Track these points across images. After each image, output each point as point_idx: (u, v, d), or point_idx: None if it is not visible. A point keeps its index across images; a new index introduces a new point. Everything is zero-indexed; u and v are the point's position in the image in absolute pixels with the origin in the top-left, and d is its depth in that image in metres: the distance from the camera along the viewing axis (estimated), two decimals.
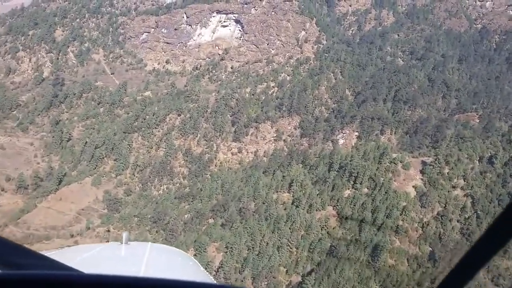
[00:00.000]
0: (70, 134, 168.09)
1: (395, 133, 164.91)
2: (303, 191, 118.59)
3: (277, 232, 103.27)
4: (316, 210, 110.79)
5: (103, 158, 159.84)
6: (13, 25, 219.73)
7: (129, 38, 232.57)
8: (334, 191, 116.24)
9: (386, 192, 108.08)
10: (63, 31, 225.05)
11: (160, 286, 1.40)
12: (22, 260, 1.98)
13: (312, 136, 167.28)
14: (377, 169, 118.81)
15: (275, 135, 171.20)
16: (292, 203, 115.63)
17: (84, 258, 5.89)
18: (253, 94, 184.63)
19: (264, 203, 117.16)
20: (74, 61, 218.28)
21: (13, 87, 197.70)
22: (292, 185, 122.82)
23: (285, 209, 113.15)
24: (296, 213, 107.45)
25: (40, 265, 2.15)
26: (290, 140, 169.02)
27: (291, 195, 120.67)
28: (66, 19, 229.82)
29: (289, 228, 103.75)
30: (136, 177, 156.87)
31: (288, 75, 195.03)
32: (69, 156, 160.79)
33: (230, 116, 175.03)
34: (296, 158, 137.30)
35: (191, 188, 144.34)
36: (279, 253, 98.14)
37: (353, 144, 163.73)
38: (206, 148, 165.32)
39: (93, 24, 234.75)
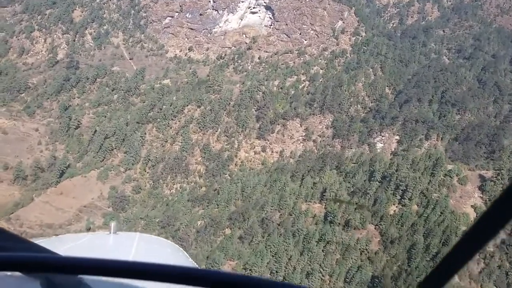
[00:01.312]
0: (78, 121, 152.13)
1: (441, 139, 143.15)
2: (338, 203, 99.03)
3: (307, 254, 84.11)
4: (355, 229, 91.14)
5: (112, 149, 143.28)
6: (30, 3, 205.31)
7: (151, 22, 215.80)
8: (377, 206, 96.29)
9: (441, 213, 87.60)
10: (82, 12, 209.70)
11: (136, 269, 1.41)
12: (3, 242, 1.98)
13: (346, 138, 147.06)
14: (429, 183, 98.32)
15: (304, 134, 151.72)
16: (325, 217, 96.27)
17: (71, 247, 5.72)
18: (281, 88, 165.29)
19: (291, 215, 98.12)
20: (91, 44, 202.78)
21: (25, 68, 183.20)
22: (324, 195, 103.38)
23: (316, 223, 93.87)
24: (331, 230, 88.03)
25: (23, 248, 2.15)
26: (321, 141, 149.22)
27: (323, 206, 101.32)
28: None
29: (322, 250, 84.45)
30: (147, 173, 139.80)
31: (321, 69, 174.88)
32: (75, 146, 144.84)
33: (255, 111, 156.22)
34: (329, 162, 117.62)
35: (207, 189, 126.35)
36: (308, 281, 78.94)
37: (393, 149, 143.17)
38: (226, 144, 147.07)
39: (114, 6, 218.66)
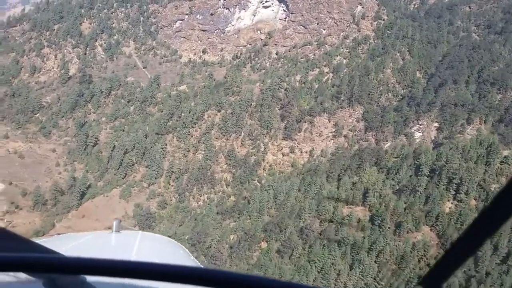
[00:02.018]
0: (96, 138, 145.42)
1: (485, 122, 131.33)
2: (384, 204, 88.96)
3: (358, 266, 74.35)
4: (408, 232, 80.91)
5: (133, 165, 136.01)
6: (38, 20, 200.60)
7: (161, 28, 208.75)
8: (429, 204, 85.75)
9: None
10: (90, 24, 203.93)
11: (140, 269, 1.41)
12: (5, 243, 1.99)
13: (380, 130, 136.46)
14: (485, 173, 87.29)
15: (333, 130, 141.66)
16: (371, 222, 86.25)
17: (74, 246, 5.68)
18: (304, 83, 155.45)
19: (332, 222, 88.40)
20: (102, 56, 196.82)
21: (38, 87, 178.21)
22: (367, 196, 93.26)
23: (362, 230, 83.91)
24: (381, 237, 78.01)
25: (25, 248, 2.15)
26: (353, 136, 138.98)
27: (368, 209, 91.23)
28: (93, 10, 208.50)
29: (375, 261, 74.57)
30: (172, 186, 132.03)
31: (344, 58, 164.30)
32: (94, 164, 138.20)
33: (279, 110, 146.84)
34: (367, 158, 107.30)
35: (237, 199, 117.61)
36: None
37: (433, 138, 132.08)
38: (251, 148, 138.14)
39: (122, 14, 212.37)
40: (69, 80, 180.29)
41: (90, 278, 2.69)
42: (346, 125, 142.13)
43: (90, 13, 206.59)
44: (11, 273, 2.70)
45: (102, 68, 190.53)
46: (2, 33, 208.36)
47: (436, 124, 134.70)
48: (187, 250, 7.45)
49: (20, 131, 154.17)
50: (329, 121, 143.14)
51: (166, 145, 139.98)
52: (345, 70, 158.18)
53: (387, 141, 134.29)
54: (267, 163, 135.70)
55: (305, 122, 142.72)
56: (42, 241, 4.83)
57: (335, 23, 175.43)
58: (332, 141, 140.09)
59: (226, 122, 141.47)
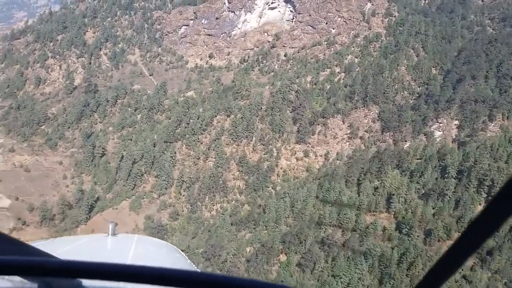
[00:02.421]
0: (103, 148, 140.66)
1: (507, 118, 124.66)
2: (411, 211, 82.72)
3: (388, 282, 68.11)
4: (439, 241, 74.68)
5: (142, 175, 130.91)
6: (41, 31, 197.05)
7: (166, 34, 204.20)
8: (460, 209, 79.39)
9: None
10: (94, 33, 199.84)
11: (136, 273, 1.39)
12: (1, 246, 1.97)
13: (398, 130, 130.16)
14: None
15: (348, 131, 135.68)
16: (398, 230, 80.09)
17: (69, 249, 5.62)
18: (315, 84, 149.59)
19: (355, 231, 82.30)
20: (107, 65, 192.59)
21: (43, 99, 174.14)
22: (391, 202, 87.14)
23: (389, 239, 77.79)
24: (412, 247, 71.75)
25: (19, 251, 2.14)
26: (369, 137, 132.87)
27: (393, 216, 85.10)
28: (97, 19, 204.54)
29: (406, 275, 68.26)
30: (183, 196, 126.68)
31: (356, 57, 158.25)
32: (102, 175, 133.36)
33: (290, 112, 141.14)
34: (387, 161, 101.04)
35: (251, 208, 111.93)
36: None
37: (454, 136, 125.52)
38: (264, 154, 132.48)
39: (126, 22, 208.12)
40: (75, 90, 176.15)
41: (85, 282, 2.69)
42: (362, 126, 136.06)
43: (94, 22, 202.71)
44: (6, 277, 2.63)
45: (108, 77, 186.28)
46: (6, 46, 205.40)
47: (457, 122, 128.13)
48: (183, 253, 7.33)
49: (26, 144, 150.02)
50: (344, 123, 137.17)
51: (175, 153, 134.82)
52: (357, 69, 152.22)
53: (406, 141, 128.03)
54: (280, 168, 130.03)
55: (319, 124, 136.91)
56: (37, 244, 4.69)
57: (345, 21, 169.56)
58: (348, 143, 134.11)
59: (236, 127, 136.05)
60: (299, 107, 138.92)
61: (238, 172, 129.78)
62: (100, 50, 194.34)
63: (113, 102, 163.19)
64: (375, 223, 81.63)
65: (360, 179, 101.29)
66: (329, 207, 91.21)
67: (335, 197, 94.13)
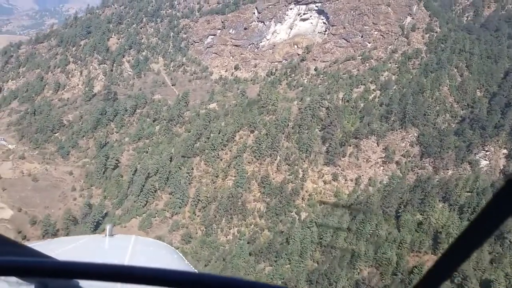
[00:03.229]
0: (117, 160, 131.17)
1: None
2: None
3: None
4: None
5: (155, 191, 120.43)
6: (64, 36, 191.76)
7: (192, 44, 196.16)
8: None
9: None
10: (118, 39, 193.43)
11: (133, 274, 1.38)
12: None
13: (439, 156, 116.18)
14: None
15: (383, 155, 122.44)
16: (450, 279, 66.27)
17: (66, 250, 5.52)
18: (347, 101, 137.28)
19: (396, 275, 68.93)
20: (130, 72, 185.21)
21: (60, 105, 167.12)
22: (438, 241, 73.53)
23: None
24: None
25: (16, 252, 2.12)
26: (406, 162, 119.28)
27: None
28: (122, 25, 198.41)
29: None
30: (198, 216, 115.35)
31: (393, 74, 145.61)
32: (113, 189, 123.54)
33: (320, 131, 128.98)
34: (431, 192, 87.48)
35: (273, 236, 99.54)
36: None
37: (501, 167, 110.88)
38: (289, 175, 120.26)
39: (152, 30, 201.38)
40: (93, 97, 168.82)
41: (82, 283, 2.67)
42: (398, 150, 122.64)
43: (119, 28, 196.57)
44: (2, 278, 2.60)
45: (129, 85, 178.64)
46: (30, 50, 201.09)
47: (505, 151, 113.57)
48: (181, 254, 7.15)
49: (37, 151, 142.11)
50: (378, 145, 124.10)
51: (192, 169, 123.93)
52: (394, 87, 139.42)
53: (447, 169, 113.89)
54: (306, 191, 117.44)
55: (350, 145, 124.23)
56: (34, 245, 4.74)
57: (382, 35, 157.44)
58: (382, 168, 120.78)
59: (260, 144, 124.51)
60: (329, 126, 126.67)
61: (259, 194, 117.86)
62: (123, 57, 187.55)
63: (131, 111, 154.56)
64: (421, 267, 68.10)
65: (400, 211, 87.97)
66: (365, 243, 78.17)
67: (371, 231, 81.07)
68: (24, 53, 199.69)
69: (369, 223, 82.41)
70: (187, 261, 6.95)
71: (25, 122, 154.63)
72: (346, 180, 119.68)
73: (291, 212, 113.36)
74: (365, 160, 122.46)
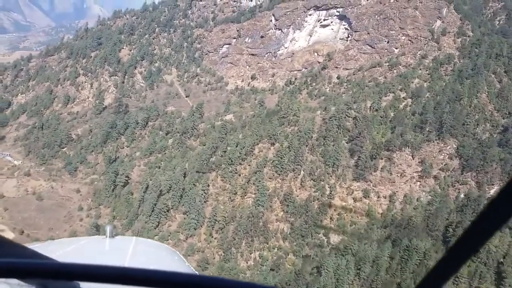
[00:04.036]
0: (127, 177, 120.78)
1: None
2: None
3: None
4: None
5: (168, 210, 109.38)
6: (75, 47, 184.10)
7: (206, 54, 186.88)
8: None
9: None
10: (130, 50, 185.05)
11: (134, 275, 1.36)
12: None
13: (482, 170, 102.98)
14: None
15: (419, 169, 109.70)
16: None
17: (67, 251, 5.51)
18: (376, 110, 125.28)
19: None
20: (142, 84, 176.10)
21: (69, 119, 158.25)
22: (504, 277, 60.71)
23: None
24: None
25: (17, 254, 2.12)
26: (446, 177, 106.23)
27: None
28: (134, 36, 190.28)
29: None
30: (215, 239, 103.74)
31: (424, 81, 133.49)
32: (123, 208, 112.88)
33: (347, 143, 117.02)
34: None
35: (301, 263, 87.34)
36: None
37: None
38: (314, 191, 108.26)
39: (165, 40, 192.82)
40: (104, 110, 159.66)
41: (83, 284, 2.63)
42: (436, 163, 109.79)
43: (130, 38, 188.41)
44: (3, 279, 2.57)
45: (141, 97, 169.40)
46: (40, 63, 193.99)
47: None
48: (181, 256, 7.06)
49: (44, 167, 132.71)
50: (413, 158, 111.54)
51: (208, 186, 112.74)
52: (427, 95, 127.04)
53: (493, 184, 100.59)
54: (334, 210, 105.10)
55: (382, 158, 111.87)
56: (35, 246, 4.60)
57: (410, 40, 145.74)
58: (419, 183, 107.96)
59: (281, 158, 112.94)
60: (357, 137, 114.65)
61: (282, 213, 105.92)
62: (135, 69, 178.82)
63: (143, 124, 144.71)
64: None
65: (448, 235, 75.19)
66: (411, 275, 65.54)
67: (418, 260, 68.39)
68: (34, 66, 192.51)
69: (416, 251, 69.71)
70: (187, 263, 6.84)
71: (32, 137, 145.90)
72: (378, 197, 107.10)
73: (319, 233, 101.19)
74: (399, 175, 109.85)
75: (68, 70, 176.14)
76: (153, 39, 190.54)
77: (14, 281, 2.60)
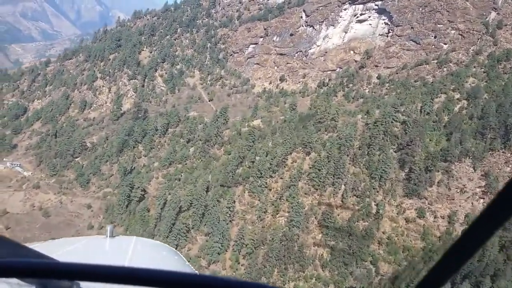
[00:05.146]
0: (143, 190, 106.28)
1: None
2: None
3: None
4: None
5: (188, 230, 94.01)
6: (93, 50, 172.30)
7: (231, 54, 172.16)
8: None
9: None
10: (151, 52, 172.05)
11: (134, 275, 1.36)
12: None
13: None
14: None
15: (482, 183, 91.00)
16: None
17: (67, 251, 5.43)
18: (428, 113, 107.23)
19: None
20: (162, 88, 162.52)
21: (85, 125, 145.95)
22: None
23: None
24: None
25: (17, 253, 2.14)
26: None
27: None
28: (154, 37, 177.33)
29: None
30: (242, 266, 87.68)
31: (480, 80, 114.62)
32: (138, 227, 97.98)
33: (395, 152, 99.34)
34: None
35: None
36: None
37: None
38: (358, 210, 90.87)
39: (187, 41, 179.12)
40: (122, 116, 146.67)
41: (83, 284, 2.63)
42: (502, 176, 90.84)
43: (151, 40, 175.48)
44: (3, 279, 2.57)
45: (161, 101, 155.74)
46: (58, 67, 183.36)
47: None
48: (182, 256, 6.98)
49: (54, 179, 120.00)
50: (475, 170, 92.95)
51: (234, 202, 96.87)
52: (484, 96, 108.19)
53: None
54: (383, 233, 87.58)
55: (438, 171, 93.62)
56: (35, 246, 4.52)
57: (461, 35, 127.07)
58: (482, 200, 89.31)
59: (319, 169, 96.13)
60: (408, 145, 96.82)
61: (320, 235, 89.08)
62: (156, 72, 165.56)
63: (162, 131, 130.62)
64: None
65: None
66: None
67: None
68: (52, 71, 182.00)
69: None
70: (188, 262, 6.78)
71: (44, 146, 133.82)
72: (435, 217, 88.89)
73: (365, 261, 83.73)
74: (459, 190, 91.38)
75: (85, 73, 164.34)
76: (175, 40, 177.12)
77: (14, 280, 2.61)
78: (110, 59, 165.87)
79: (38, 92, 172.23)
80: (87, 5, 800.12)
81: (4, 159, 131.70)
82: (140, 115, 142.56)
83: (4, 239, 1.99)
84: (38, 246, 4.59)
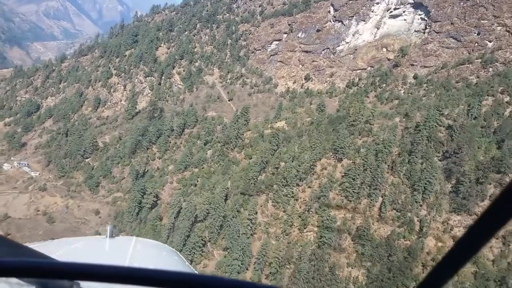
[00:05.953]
0: (156, 196, 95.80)
1: None
2: None
3: None
4: None
5: (204, 244, 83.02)
6: (108, 46, 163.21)
7: (253, 52, 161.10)
8: None
9: None
10: (168, 48, 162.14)
11: (134, 275, 1.36)
12: None
13: None
14: None
15: None
16: None
17: (67, 251, 5.39)
18: (475, 118, 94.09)
19: None
20: (180, 86, 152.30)
21: (98, 124, 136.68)
22: None
23: None
24: None
25: (17, 253, 2.14)
26: None
27: None
28: (172, 32, 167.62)
29: None
30: None
31: None
32: (149, 237, 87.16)
33: (440, 160, 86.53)
34: None
35: None
36: None
37: None
38: (398, 226, 78.61)
39: (206, 37, 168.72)
40: (137, 115, 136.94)
41: (83, 284, 2.62)
42: None
43: (169, 35, 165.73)
44: (3, 278, 2.56)
45: (178, 100, 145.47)
46: (72, 63, 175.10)
47: None
48: (181, 256, 6.88)
49: (62, 180, 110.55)
50: None
51: (256, 213, 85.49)
52: None
53: None
54: (427, 253, 75.00)
55: (490, 183, 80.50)
56: (35, 246, 4.58)
57: (508, 31, 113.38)
58: None
59: (353, 179, 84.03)
60: (454, 154, 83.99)
61: (355, 254, 77.02)
62: (173, 69, 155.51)
63: (178, 131, 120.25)
64: None
65: None
66: None
67: None
68: (67, 67, 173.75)
69: None
70: (187, 263, 6.68)
71: (54, 144, 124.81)
72: None
73: (407, 287, 71.35)
74: None
75: (100, 70, 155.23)
76: (194, 36, 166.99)
77: (14, 280, 2.61)
78: (126, 55, 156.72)
79: (52, 88, 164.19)
80: (109, 5, 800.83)
81: (12, 158, 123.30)
82: (155, 114, 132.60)
83: (4, 239, 2.00)
84: (38, 246, 4.50)
